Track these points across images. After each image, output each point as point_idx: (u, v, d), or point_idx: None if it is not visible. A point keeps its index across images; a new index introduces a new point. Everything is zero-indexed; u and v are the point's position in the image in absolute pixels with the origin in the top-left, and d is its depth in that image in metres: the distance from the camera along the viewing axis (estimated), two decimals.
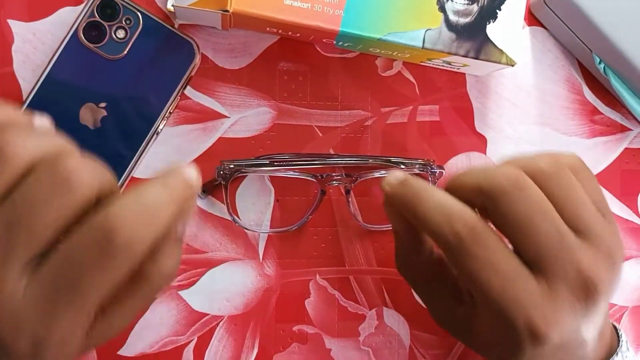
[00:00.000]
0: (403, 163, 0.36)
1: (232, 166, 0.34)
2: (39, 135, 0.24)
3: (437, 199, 0.27)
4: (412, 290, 0.33)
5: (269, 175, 0.37)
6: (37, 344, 0.22)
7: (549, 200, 0.26)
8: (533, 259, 0.26)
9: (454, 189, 0.27)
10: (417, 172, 0.36)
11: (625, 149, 0.41)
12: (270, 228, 0.37)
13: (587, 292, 0.26)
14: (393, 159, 0.36)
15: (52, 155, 0.22)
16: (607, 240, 0.28)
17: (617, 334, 0.32)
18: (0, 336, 0.22)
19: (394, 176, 0.28)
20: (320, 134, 0.38)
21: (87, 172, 0.22)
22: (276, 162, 0.35)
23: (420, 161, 0.37)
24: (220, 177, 0.35)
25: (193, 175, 0.24)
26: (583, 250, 0.27)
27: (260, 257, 0.37)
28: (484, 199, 0.26)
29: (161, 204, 0.23)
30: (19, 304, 0.21)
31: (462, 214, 0.26)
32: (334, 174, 0.36)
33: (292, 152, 0.37)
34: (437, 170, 0.37)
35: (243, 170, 0.35)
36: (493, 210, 0.26)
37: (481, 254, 0.25)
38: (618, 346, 0.31)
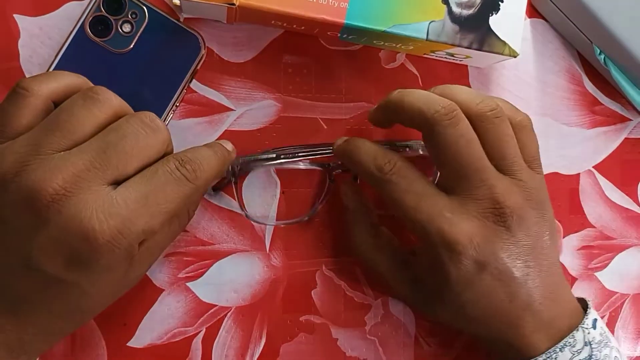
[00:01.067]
0: (408, 146, 0.36)
1: (240, 161, 0.35)
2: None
3: (367, 146, 0.34)
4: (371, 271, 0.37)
5: (275, 168, 0.37)
6: (123, 230, 0.26)
7: (478, 139, 0.31)
8: (451, 181, 0.32)
9: (401, 107, 0.32)
10: (422, 153, 0.36)
11: (625, 138, 0.42)
12: (276, 220, 0.37)
13: (498, 215, 0.31)
14: (398, 143, 0.36)
15: (134, 112, 0.30)
16: (530, 184, 0.32)
17: (585, 310, 0.33)
18: (92, 221, 0.26)
19: (341, 138, 0.35)
20: (325, 127, 0.38)
21: (165, 128, 0.30)
22: (283, 154, 0.36)
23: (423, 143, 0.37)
24: (230, 174, 0.35)
25: (230, 147, 0.33)
26: (499, 179, 0.31)
27: (267, 248, 0.37)
28: (420, 122, 0.31)
29: (227, 155, 0.32)
30: (112, 197, 0.27)
31: (386, 153, 0.33)
32: (340, 162, 0.36)
33: (296, 144, 0.37)
34: None
35: (252, 166, 0.36)
36: (427, 134, 0.31)
37: (401, 182, 0.32)
38: (581, 322, 0.32)
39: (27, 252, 0.26)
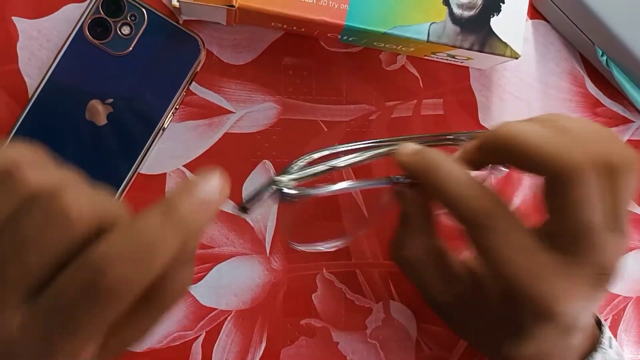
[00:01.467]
0: (449, 139, 0.33)
1: (293, 192, 0.28)
2: (43, 167, 0.23)
3: (455, 172, 0.28)
4: (407, 277, 0.34)
5: (275, 170, 0.37)
6: None
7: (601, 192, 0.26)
8: (561, 239, 0.27)
9: (518, 148, 0.27)
10: (464, 141, 0.33)
11: (628, 140, 0.42)
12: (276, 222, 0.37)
13: (602, 280, 0.27)
14: (437, 135, 0.33)
15: (49, 188, 0.21)
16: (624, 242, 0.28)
17: (600, 328, 0.32)
18: None
19: (408, 147, 0.30)
20: (326, 129, 0.38)
21: (84, 205, 0.21)
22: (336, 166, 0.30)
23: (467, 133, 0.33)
24: (276, 197, 0.29)
25: (213, 191, 0.22)
26: (609, 241, 0.27)
27: (267, 251, 0.37)
28: (528, 167, 0.27)
29: (158, 241, 0.20)
30: (13, 335, 0.21)
31: (481, 188, 0.27)
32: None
33: (344, 146, 0.33)
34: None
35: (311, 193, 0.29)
36: (551, 187, 0.27)
37: (499, 229, 0.27)
38: (599, 342, 0.31)
39: None
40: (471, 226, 0.27)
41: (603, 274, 0.27)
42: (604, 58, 0.39)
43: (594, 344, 0.31)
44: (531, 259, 0.27)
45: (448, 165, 0.28)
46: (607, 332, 0.32)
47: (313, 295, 0.38)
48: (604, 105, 0.41)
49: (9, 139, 0.34)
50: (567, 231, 0.27)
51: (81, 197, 0.21)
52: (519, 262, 0.26)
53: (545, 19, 0.40)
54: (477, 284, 0.31)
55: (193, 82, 0.36)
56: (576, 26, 0.39)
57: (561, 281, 0.26)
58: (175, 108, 0.36)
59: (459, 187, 0.28)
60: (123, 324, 0.23)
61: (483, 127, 0.39)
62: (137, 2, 0.35)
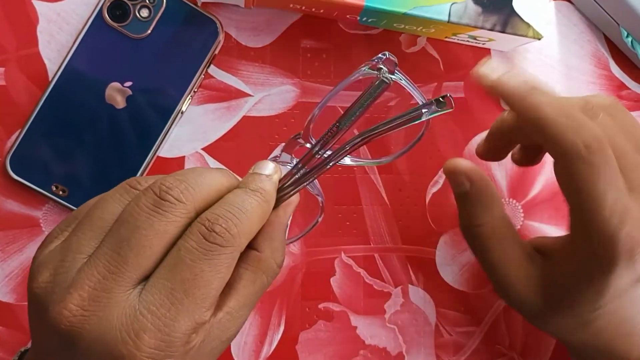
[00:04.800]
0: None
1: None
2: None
3: (558, 103, 0.28)
4: (476, 254, 0.34)
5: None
6: (161, 344, 0.22)
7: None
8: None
9: (540, 125, 0.28)
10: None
11: None
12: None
13: None
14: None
15: (156, 181, 0.24)
16: None
17: None
18: (119, 346, 0.22)
19: (491, 65, 0.30)
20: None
21: (185, 190, 0.24)
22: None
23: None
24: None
25: (270, 170, 0.26)
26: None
27: (286, 235, 0.37)
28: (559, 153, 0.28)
29: (254, 204, 0.25)
30: (135, 308, 0.22)
31: (590, 125, 0.27)
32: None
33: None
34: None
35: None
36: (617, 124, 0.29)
37: (605, 168, 0.27)
38: None
39: None
40: (573, 161, 0.27)
41: None
42: (629, 39, 0.38)
43: None
44: (625, 202, 0.27)
45: (546, 92, 0.28)
46: None
47: (331, 279, 0.38)
48: (629, 88, 0.40)
49: (29, 122, 0.34)
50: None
51: (179, 181, 0.24)
52: (617, 206, 0.27)
53: (568, 0, 0.39)
54: (558, 264, 0.31)
55: (211, 65, 0.36)
56: (600, 6, 0.38)
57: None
58: (194, 91, 0.36)
59: (561, 116, 0.27)
60: (226, 299, 0.25)
61: (504, 110, 0.39)
62: None
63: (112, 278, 0.22)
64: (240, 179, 0.26)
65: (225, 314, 0.24)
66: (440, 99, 0.25)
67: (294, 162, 0.28)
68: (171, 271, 0.23)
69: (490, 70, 0.30)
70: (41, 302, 0.23)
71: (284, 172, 0.27)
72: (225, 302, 0.25)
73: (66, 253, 0.23)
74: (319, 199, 0.31)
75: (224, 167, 0.28)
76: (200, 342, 0.23)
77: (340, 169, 0.37)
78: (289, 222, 0.28)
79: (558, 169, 0.29)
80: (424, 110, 0.26)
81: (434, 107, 0.26)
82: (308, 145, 0.30)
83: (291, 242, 0.37)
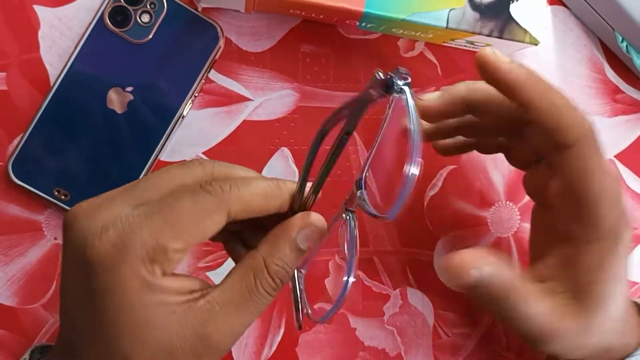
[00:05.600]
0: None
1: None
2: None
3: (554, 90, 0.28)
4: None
5: (293, 158, 0.37)
6: (117, 241, 0.23)
7: None
8: None
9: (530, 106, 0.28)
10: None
11: None
12: None
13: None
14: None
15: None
16: None
17: None
18: (85, 232, 0.24)
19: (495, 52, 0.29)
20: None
21: (236, 200, 0.25)
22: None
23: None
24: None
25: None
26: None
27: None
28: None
29: (262, 185, 0.26)
30: (122, 214, 0.24)
31: (576, 109, 0.28)
32: None
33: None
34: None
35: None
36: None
37: (594, 149, 0.28)
38: None
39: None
40: (563, 146, 0.28)
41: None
42: (624, 44, 0.38)
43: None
44: (613, 182, 0.28)
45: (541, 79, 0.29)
46: None
47: (325, 281, 0.38)
48: (624, 92, 0.41)
49: (31, 127, 0.34)
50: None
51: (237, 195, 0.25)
52: (604, 184, 0.28)
53: (564, 5, 0.40)
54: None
55: (212, 70, 0.36)
56: (596, 12, 0.38)
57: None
58: (195, 95, 0.36)
59: (567, 105, 0.28)
60: (215, 287, 0.25)
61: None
62: None
63: (148, 225, 0.24)
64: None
65: (205, 302, 0.24)
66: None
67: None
68: (161, 199, 0.24)
69: (495, 54, 0.29)
70: (77, 238, 0.24)
71: None
72: (210, 292, 0.25)
73: (106, 203, 0.25)
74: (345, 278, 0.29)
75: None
76: (160, 274, 0.24)
77: (339, 172, 0.38)
78: (304, 246, 0.28)
79: (566, 158, 0.28)
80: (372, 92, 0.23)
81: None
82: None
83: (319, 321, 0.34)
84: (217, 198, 0.25)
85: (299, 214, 0.26)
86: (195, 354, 0.25)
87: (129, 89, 0.35)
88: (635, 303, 0.34)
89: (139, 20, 0.35)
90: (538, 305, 0.30)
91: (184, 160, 0.27)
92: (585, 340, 0.30)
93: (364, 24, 0.35)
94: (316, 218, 0.27)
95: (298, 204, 0.26)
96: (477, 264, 0.29)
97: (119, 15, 0.35)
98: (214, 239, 0.28)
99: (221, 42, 0.36)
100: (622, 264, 0.29)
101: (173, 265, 0.24)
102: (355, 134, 0.38)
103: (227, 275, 0.26)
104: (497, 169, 0.39)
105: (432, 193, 0.39)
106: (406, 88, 0.22)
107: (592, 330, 0.30)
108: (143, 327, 0.24)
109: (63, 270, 0.26)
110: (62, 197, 0.35)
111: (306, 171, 0.26)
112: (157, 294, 0.24)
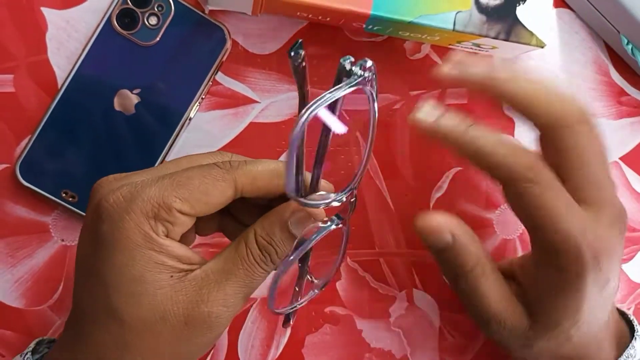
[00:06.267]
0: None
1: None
2: None
3: (494, 137, 0.30)
4: (468, 299, 0.32)
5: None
6: (127, 194, 0.25)
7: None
8: (586, 193, 0.30)
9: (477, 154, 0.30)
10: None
11: None
12: None
13: (623, 222, 0.30)
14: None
15: None
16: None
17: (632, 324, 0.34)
18: (102, 188, 0.27)
19: (426, 110, 0.31)
20: (349, 118, 0.38)
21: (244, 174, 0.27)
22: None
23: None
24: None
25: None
26: (612, 186, 0.31)
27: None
28: (548, 131, 0.30)
29: (264, 165, 0.27)
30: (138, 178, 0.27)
31: (525, 150, 0.29)
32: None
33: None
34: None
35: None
36: (555, 141, 0.30)
37: (549, 185, 0.29)
38: (632, 337, 0.32)
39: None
40: (523, 187, 0.29)
41: (622, 222, 0.30)
42: (630, 46, 0.38)
43: (627, 333, 0.32)
44: (579, 214, 0.29)
45: (491, 137, 0.30)
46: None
47: (337, 283, 0.38)
48: (629, 94, 0.41)
49: (39, 129, 0.34)
50: (590, 184, 0.30)
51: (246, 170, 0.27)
52: (572, 217, 0.28)
53: (570, 8, 0.40)
54: (532, 287, 0.32)
55: (219, 72, 0.36)
56: (601, 14, 0.38)
57: (599, 232, 0.29)
58: (202, 98, 0.36)
59: (508, 155, 0.29)
60: (217, 257, 0.27)
61: (507, 117, 0.39)
62: None
63: (141, 171, 0.27)
64: None
65: (201, 272, 0.26)
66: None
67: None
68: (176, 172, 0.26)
69: (425, 114, 0.31)
70: (96, 197, 0.27)
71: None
72: (207, 262, 0.26)
73: (126, 175, 0.28)
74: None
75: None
76: (163, 234, 0.25)
77: (342, 172, 0.38)
78: (296, 230, 0.28)
79: (508, 194, 0.30)
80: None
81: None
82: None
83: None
84: (225, 170, 0.26)
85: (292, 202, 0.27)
86: (187, 320, 0.25)
87: (136, 91, 0.35)
88: (619, 310, 0.34)
89: (147, 23, 0.35)
90: (498, 289, 0.31)
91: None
92: (535, 344, 0.31)
93: (370, 27, 0.35)
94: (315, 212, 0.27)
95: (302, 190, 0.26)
96: (452, 229, 0.30)
97: (127, 18, 0.35)
98: (223, 228, 0.30)
99: (228, 45, 0.36)
100: (583, 296, 0.29)
101: (178, 229, 0.26)
102: (358, 134, 0.38)
103: (223, 248, 0.27)
104: None
105: (438, 195, 0.39)
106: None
107: (541, 343, 0.31)
108: (138, 285, 0.25)
109: (81, 234, 0.27)
110: (70, 198, 0.35)
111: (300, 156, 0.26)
112: (157, 254, 0.25)
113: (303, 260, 0.30)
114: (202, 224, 0.29)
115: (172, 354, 0.26)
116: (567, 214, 0.28)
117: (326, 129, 0.26)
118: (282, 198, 0.27)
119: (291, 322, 0.32)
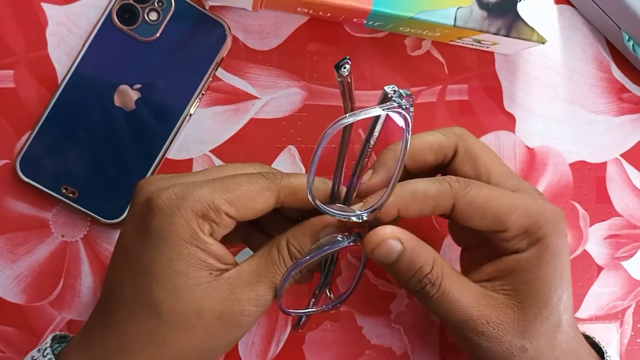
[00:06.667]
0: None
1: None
2: None
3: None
4: (435, 306, 0.31)
5: (300, 156, 0.37)
6: (179, 193, 0.27)
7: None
8: (511, 181, 0.32)
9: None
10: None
11: None
12: None
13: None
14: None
15: None
16: None
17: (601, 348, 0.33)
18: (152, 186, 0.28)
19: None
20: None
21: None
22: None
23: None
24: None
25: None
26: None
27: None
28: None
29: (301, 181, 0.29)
30: (190, 181, 0.28)
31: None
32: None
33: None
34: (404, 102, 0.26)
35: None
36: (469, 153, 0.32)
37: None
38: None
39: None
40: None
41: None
42: (631, 43, 0.38)
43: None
44: (519, 198, 0.30)
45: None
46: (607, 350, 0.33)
47: (337, 280, 0.38)
48: (630, 91, 0.41)
49: (39, 124, 0.34)
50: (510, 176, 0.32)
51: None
52: (520, 201, 0.30)
53: (571, 4, 0.40)
54: None
55: (219, 68, 0.36)
56: (602, 11, 0.38)
57: (544, 203, 0.31)
58: (202, 94, 0.36)
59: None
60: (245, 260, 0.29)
61: (508, 113, 0.39)
62: None
63: (208, 190, 0.27)
64: None
65: (235, 272, 0.28)
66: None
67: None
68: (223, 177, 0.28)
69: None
70: (144, 194, 0.28)
71: None
72: (240, 263, 0.28)
73: (171, 177, 0.29)
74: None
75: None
76: (208, 233, 0.27)
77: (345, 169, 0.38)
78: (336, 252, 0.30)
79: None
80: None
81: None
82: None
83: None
84: (270, 181, 0.28)
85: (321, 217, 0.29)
86: (221, 317, 0.27)
87: (137, 86, 0.35)
88: (587, 337, 0.33)
89: (147, 18, 0.35)
90: (468, 287, 0.30)
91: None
92: (511, 341, 0.30)
93: (371, 22, 0.35)
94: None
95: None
96: (398, 236, 0.29)
97: (127, 13, 0.35)
98: (247, 238, 0.32)
99: (228, 40, 0.36)
100: (552, 267, 0.30)
101: (221, 230, 0.27)
102: (360, 131, 0.38)
103: (255, 252, 0.29)
104: None
105: None
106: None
107: (524, 332, 0.30)
108: (181, 279, 0.26)
109: (126, 226, 0.28)
110: (70, 194, 0.35)
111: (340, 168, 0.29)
112: (201, 252, 0.27)
113: (326, 272, 0.31)
114: (231, 232, 0.29)
115: (203, 349, 0.27)
116: (515, 198, 0.30)
117: (367, 144, 0.28)
118: (314, 212, 0.28)
119: (301, 328, 0.34)
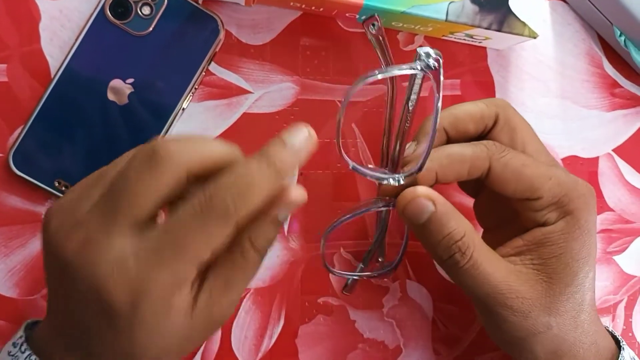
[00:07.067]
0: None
1: None
2: None
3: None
4: (464, 278, 0.31)
5: None
6: (135, 292, 0.24)
7: None
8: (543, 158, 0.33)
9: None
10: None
11: None
12: None
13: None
14: None
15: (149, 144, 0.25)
16: None
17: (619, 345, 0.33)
18: (102, 288, 0.24)
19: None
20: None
21: (176, 152, 0.25)
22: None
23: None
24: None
25: (301, 139, 0.27)
26: None
27: (285, 231, 0.38)
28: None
29: (256, 180, 0.25)
30: (126, 252, 0.24)
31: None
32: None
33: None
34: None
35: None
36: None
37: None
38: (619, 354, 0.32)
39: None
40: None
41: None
42: (622, 38, 0.39)
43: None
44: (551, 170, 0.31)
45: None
46: (626, 348, 0.33)
47: (330, 275, 0.38)
48: (622, 86, 0.41)
49: (31, 118, 0.34)
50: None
51: (173, 144, 0.25)
52: (551, 171, 0.31)
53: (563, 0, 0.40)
54: None
55: (212, 62, 0.36)
56: (594, 6, 0.39)
57: (575, 178, 0.32)
58: (195, 88, 0.36)
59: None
60: (212, 278, 0.26)
61: None
62: None
63: (106, 222, 0.24)
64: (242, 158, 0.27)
65: (207, 296, 0.26)
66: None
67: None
68: (167, 225, 0.25)
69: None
70: (52, 239, 0.25)
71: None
72: (207, 279, 0.26)
73: (75, 202, 0.26)
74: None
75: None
76: (188, 302, 0.25)
77: (338, 164, 0.38)
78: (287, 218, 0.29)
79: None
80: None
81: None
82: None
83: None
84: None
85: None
86: (206, 329, 0.27)
87: (130, 81, 0.35)
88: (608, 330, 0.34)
89: (140, 13, 0.35)
90: (498, 261, 0.30)
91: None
92: (537, 317, 0.30)
93: (364, 17, 0.35)
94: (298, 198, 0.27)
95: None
96: (432, 198, 0.29)
97: (120, 8, 0.35)
98: None
99: (221, 35, 0.36)
100: (581, 243, 0.30)
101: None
102: (354, 125, 0.38)
103: (216, 260, 0.26)
104: None
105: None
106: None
107: (550, 308, 0.30)
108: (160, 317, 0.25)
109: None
110: (63, 188, 0.35)
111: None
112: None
113: (378, 239, 0.33)
114: None
115: (178, 352, 0.27)
116: (550, 169, 0.31)
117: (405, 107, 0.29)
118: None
119: (349, 291, 0.36)
